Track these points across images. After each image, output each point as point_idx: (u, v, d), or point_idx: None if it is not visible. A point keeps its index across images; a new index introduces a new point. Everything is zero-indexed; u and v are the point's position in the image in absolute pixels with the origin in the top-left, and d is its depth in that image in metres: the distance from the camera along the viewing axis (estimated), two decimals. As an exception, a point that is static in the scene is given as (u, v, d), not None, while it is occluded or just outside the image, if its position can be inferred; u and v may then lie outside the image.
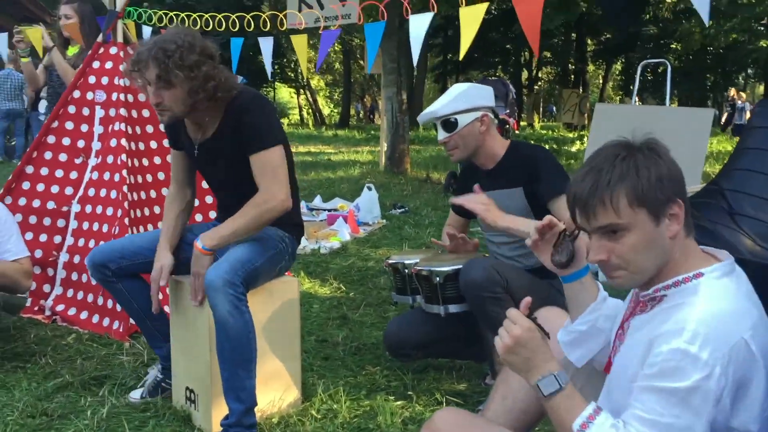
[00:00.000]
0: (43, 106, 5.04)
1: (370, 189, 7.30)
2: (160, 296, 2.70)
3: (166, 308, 2.97)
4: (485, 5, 3.70)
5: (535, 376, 1.50)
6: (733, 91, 21.83)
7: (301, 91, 41.03)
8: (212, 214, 4.08)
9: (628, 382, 1.46)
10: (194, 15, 4.83)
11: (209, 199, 4.19)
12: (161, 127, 4.12)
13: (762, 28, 16.22)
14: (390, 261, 3.02)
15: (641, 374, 1.40)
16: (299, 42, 4.89)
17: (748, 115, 21.47)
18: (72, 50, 4.63)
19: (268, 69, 5.38)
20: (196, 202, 4.05)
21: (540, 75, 38.44)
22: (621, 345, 1.60)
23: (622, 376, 1.52)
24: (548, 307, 2.14)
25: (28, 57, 4.91)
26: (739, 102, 20.39)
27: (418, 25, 4.00)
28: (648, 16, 24.13)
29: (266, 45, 5.08)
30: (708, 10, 2.75)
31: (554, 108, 34.52)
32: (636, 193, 1.44)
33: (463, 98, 2.77)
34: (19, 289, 3.21)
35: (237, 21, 4.56)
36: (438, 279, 2.72)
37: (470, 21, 3.72)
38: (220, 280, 2.32)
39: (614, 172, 1.45)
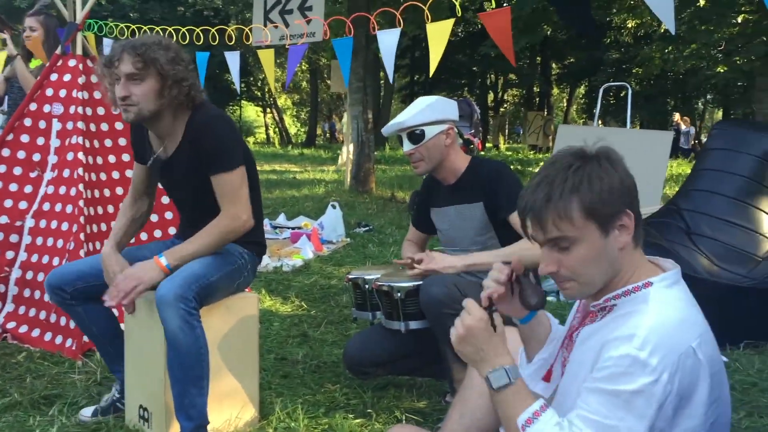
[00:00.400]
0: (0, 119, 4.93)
1: (334, 207, 7.28)
2: (116, 313, 2.64)
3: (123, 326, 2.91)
4: (451, 21, 3.74)
5: (485, 369, 1.50)
6: (677, 116, 22.31)
7: (268, 110, 41.00)
8: (171, 230, 4.01)
9: (579, 389, 1.46)
10: (157, 28, 4.79)
11: (169, 215, 4.13)
12: (121, 141, 4.07)
13: (719, 55, 16.63)
14: (350, 276, 2.99)
15: (590, 377, 1.40)
16: (266, 57, 4.88)
17: (692, 140, 21.96)
18: (34, 63, 4.55)
19: (237, 83, 5.35)
20: (155, 218, 4.01)
21: (505, 97, 38.96)
22: (569, 354, 1.60)
23: (573, 385, 1.51)
24: (508, 327, 2.14)
25: None
26: (683, 126, 20.80)
27: (387, 41, 4.02)
28: (609, 40, 24.64)
29: (233, 60, 5.05)
30: (673, 21, 2.81)
31: (522, 129, 34.96)
32: (587, 205, 1.44)
33: (430, 110, 2.77)
34: None
35: (201, 35, 4.52)
36: (399, 294, 2.70)
37: (438, 37, 3.76)
38: (171, 294, 2.28)
39: (566, 183, 1.45)
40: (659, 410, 1.34)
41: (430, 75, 3.97)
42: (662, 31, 20.75)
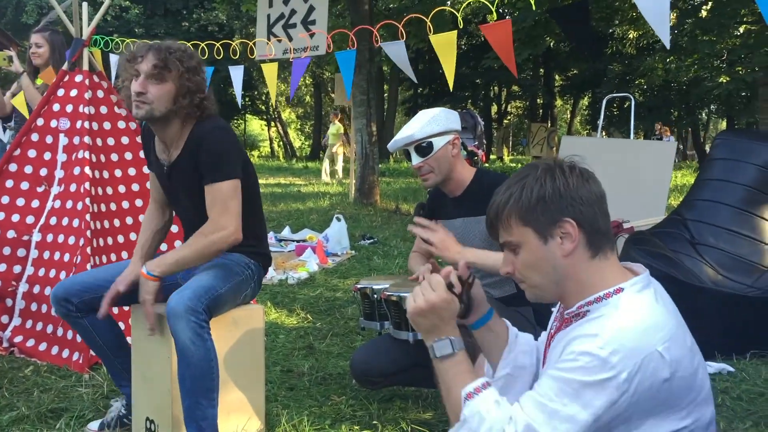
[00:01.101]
0: (6, 135, 4.95)
1: (339, 220, 7.30)
2: (122, 327, 2.65)
3: (130, 340, 2.93)
4: (454, 33, 3.75)
5: (432, 337, 1.56)
6: (658, 126, 22.17)
7: (272, 123, 41.14)
8: (177, 243, 4.02)
9: None
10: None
11: (175, 228, 4.14)
12: (138, 139, 4.08)
13: (722, 65, 16.66)
14: (359, 286, 2.99)
15: (552, 366, 1.44)
16: (269, 71, 4.90)
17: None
18: (40, 80, 4.57)
19: (239, 97, 5.38)
20: (175, 228, 4.01)
21: (509, 109, 39.03)
22: (545, 359, 1.64)
23: None
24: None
25: None
26: (665, 137, 20.67)
27: (394, 51, 4.03)
28: (611, 51, 24.69)
29: (237, 74, 5.08)
30: (668, 34, 2.83)
31: (527, 141, 35.08)
32: (520, 212, 1.51)
33: (435, 122, 2.78)
34: None
35: (207, 49, 4.56)
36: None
37: (445, 48, 3.76)
38: (182, 306, 2.29)
39: (508, 192, 1.54)
40: (610, 406, 1.36)
41: (451, 88, 3.98)
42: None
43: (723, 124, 35.67)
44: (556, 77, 31.50)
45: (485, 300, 1.76)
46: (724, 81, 15.55)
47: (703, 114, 32.59)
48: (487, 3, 3.42)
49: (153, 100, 2.44)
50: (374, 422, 2.86)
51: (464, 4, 4.30)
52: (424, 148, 2.77)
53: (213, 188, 2.48)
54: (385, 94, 27.42)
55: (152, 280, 2.44)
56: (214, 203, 2.48)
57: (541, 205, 1.49)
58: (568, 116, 35.79)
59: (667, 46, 2.88)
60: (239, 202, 2.52)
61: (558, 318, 1.65)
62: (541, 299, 1.62)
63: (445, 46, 3.73)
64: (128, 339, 2.87)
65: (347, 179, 15.55)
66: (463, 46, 26.29)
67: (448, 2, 16.42)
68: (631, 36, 22.72)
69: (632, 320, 1.40)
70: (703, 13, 14.23)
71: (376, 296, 2.91)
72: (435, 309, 1.56)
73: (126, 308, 3.55)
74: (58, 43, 4.60)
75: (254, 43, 5.06)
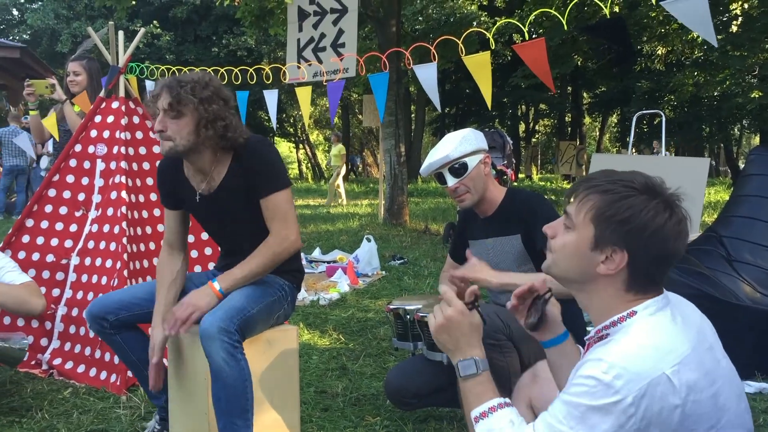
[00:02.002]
0: (44, 161, 5.08)
1: (369, 240, 7.31)
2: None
3: (165, 361, 2.96)
4: (488, 53, 3.78)
5: (457, 356, 1.61)
6: (656, 144, 21.61)
7: (300, 145, 41.46)
8: (210, 265, 4.07)
9: None
10: (197, 69, 4.92)
11: (208, 250, 4.20)
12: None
13: (754, 80, 16.46)
14: (391, 306, 3.00)
15: (564, 390, 1.44)
16: (303, 94, 4.97)
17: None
18: (78, 107, 4.67)
19: (273, 120, 5.47)
20: (195, 254, 4.08)
21: (537, 128, 38.90)
22: None
23: None
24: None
25: (36, 110, 4.92)
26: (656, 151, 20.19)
27: (425, 74, 4.07)
28: (639, 68, 24.53)
29: (271, 98, 5.17)
30: (713, 34, 2.83)
31: (555, 159, 34.92)
32: (600, 211, 1.48)
33: (467, 142, 2.78)
34: (34, 309, 3.14)
35: (240, 74, 4.64)
36: (439, 326, 2.70)
37: (479, 69, 3.79)
38: (215, 327, 2.32)
39: (617, 189, 1.48)
40: (617, 429, 1.35)
41: (489, 107, 4.00)
42: (694, 57, 20.63)
43: (756, 140, 35.13)
44: (584, 95, 31.36)
45: (560, 321, 1.79)
46: (757, 96, 15.34)
47: (736, 129, 32.16)
48: (518, 24, 3.44)
49: (174, 136, 2.49)
50: (409, 443, 2.85)
51: (496, 26, 4.32)
52: (458, 168, 2.75)
53: (271, 200, 2.53)
54: (412, 115, 27.49)
55: (219, 296, 2.48)
56: (274, 215, 2.53)
57: (621, 226, 1.45)
58: (597, 134, 35.55)
59: (715, 44, 2.88)
60: (295, 211, 2.59)
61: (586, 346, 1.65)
62: (553, 275, 1.63)
63: (480, 66, 3.76)
64: (164, 361, 2.90)
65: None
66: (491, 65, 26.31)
67: (474, 23, 16.49)
68: (659, 52, 22.56)
69: (638, 344, 1.39)
70: (734, 28, 14.09)
71: (408, 317, 2.92)
72: (453, 323, 1.60)
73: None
74: (95, 71, 4.72)
75: (287, 68, 5.13)
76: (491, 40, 3.80)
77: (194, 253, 4.16)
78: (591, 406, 1.35)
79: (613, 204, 1.46)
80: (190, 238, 4.00)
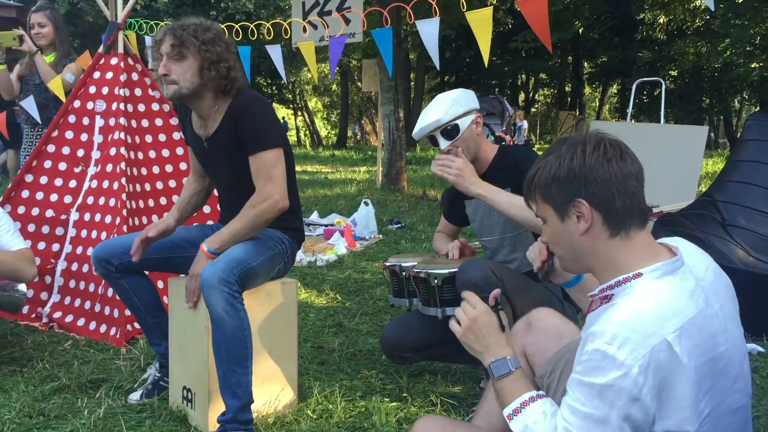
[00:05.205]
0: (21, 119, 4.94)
1: (366, 204, 7.33)
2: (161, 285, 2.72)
3: (166, 299, 3.03)
4: (490, 9, 3.75)
5: (489, 358, 1.63)
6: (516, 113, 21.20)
7: (299, 112, 41.28)
8: (209, 223, 4.10)
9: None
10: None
11: (207, 209, 4.23)
12: (172, 121, 4.18)
13: (757, 51, 16.36)
14: (387, 263, 3.03)
15: (575, 368, 1.46)
16: (308, 50, 4.94)
17: (525, 133, 21.28)
18: (48, 58, 4.57)
19: (282, 74, 5.40)
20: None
21: (537, 97, 38.72)
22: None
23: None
24: (541, 308, 2.18)
25: (4, 64, 4.56)
26: (518, 120, 19.84)
27: (427, 30, 4.03)
28: (641, 37, 24.37)
29: (275, 52, 5.11)
30: None
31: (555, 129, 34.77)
32: (541, 189, 1.58)
33: (458, 103, 2.78)
34: (26, 277, 3.15)
35: (240, 31, 4.61)
36: (436, 281, 2.73)
37: (481, 25, 3.75)
38: (215, 277, 2.36)
39: (538, 166, 1.59)
40: (633, 402, 1.36)
41: (486, 65, 3.98)
42: (695, 26, 20.48)
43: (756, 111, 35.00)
44: (585, 65, 31.18)
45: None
46: (757, 66, 15.27)
47: (736, 102, 32.07)
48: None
49: (178, 78, 2.53)
50: (404, 395, 2.91)
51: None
52: (450, 131, 2.77)
53: (257, 158, 2.55)
54: (412, 83, 27.32)
55: (210, 257, 2.52)
56: (259, 173, 2.55)
57: (556, 185, 1.54)
58: (597, 104, 35.42)
59: (712, 7, 2.87)
60: (283, 170, 2.59)
61: (592, 297, 1.67)
62: (569, 271, 1.70)
63: (481, 22, 3.73)
64: (165, 299, 2.96)
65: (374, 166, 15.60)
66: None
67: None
68: (661, 20, 22.39)
69: (639, 310, 1.39)
70: (738, -2, 13.98)
71: (404, 273, 2.95)
72: (479, 324, 1.65)
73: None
74: (60, 21, 4.61)
75: (289, 24, 5.09)
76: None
77: (207, 209, 4.18)
78: (603, 384, 1.37)
79: (542, 174, 1.57)
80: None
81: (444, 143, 2.78)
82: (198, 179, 2.94)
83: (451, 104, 2.78)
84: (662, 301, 1.41)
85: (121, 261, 2.69)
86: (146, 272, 2.84)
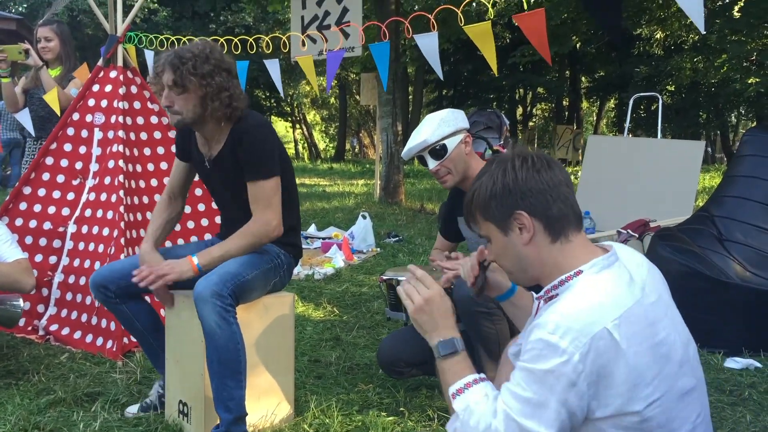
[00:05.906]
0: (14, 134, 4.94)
1: (364, 217, 7.34)
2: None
3: (163, 312, 3.02)
4: (488, 22, 3.79)
5: (436, 338, 1.67)
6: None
7: (297, 125, 41.36)
8: (207, 236, 4.10)
9: None
10: (196, 39, 4.91)
11: (205, 222, 4.23)
12: (171, 133, 4.18)
13: (753, 66, 16.42)
14: (384, 277, 3.04)
15: (521, 357, 1.52)
16: (306, 64, 4.97)
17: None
18: (53, 72, 4.59)
19: (280, 88, 5.45)
20: (191, 224, 4.12)
21: (534, 111, 38.83)
22: None
23: None
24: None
25: (9, 77, 4.55)
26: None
27: (426, 43, 4.06)
28: (638, 52, 24.48)
29: (273, 67, 5.14)
30: (702, 19, 2.84)
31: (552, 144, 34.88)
32: (480, 209, 1.64)
33: (446, 123, 2.81)
34: (24, 288, 3.13)
35: (240, 44, 4.64)
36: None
37: (481, 38, 3.80)
38: (208, 291, 2.36)
39: (474, 187, 1.65)
40: (571, 387, 1.43)
41: (495, 74, 4.02)
42: (692, 41, 20.59)
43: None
44: (583, 79, 31.30)
45: (504, 280, 1.96)
46: (754, 82, 15.33)
47: (733, 117, 32.20)
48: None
49: (180, 110, 2.56)
50: (401, 409, 2.90)
51: (495, -3, 4.33)
52: (438, 151, 2.80)
53: (256, 186, 2.58)
54: (410, 96, 27.40)
55: (195, 271, 2.52)
56: (257, 200, 2.58)
57: (494, 201, 1.61)
58: (594, 119, 35.50)
59: (702, 30, 2.88)
60: (280, 199, 2.62)
61: (536, 303, 1.73)
62: (519, 283, 1.80)
63: (482, 36, 3.77)
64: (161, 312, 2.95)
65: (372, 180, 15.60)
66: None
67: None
68: (658, 36, 22.51)
69: (580, 302, 1.47)
70: (736, 14, 14.03)
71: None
72: (433, 304, 1.68)
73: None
74: (66, 35, 4.61)
75: (288, 38, 5.12)
76: (491, 10, 3.81)
77: (191, 224, 4.20)
78: (545, 369, 1.43)
79: (479, 195, 1.63)
80: (187, 209, 4.03)
81: (432, 163, 2.83)
82: (172, 203, 2.89)
83: (438, 125, 2.80)
84: (602, 292, 1.49)
85: (119, 286, 2.68)
86: (146, 297, 2.84)
